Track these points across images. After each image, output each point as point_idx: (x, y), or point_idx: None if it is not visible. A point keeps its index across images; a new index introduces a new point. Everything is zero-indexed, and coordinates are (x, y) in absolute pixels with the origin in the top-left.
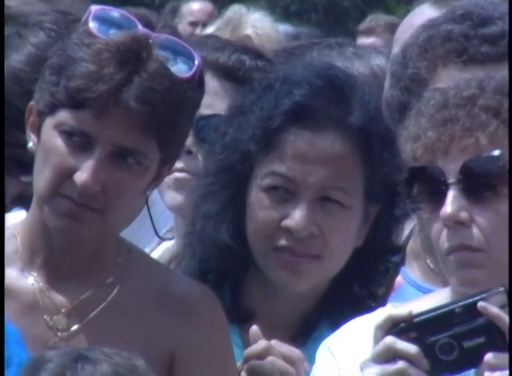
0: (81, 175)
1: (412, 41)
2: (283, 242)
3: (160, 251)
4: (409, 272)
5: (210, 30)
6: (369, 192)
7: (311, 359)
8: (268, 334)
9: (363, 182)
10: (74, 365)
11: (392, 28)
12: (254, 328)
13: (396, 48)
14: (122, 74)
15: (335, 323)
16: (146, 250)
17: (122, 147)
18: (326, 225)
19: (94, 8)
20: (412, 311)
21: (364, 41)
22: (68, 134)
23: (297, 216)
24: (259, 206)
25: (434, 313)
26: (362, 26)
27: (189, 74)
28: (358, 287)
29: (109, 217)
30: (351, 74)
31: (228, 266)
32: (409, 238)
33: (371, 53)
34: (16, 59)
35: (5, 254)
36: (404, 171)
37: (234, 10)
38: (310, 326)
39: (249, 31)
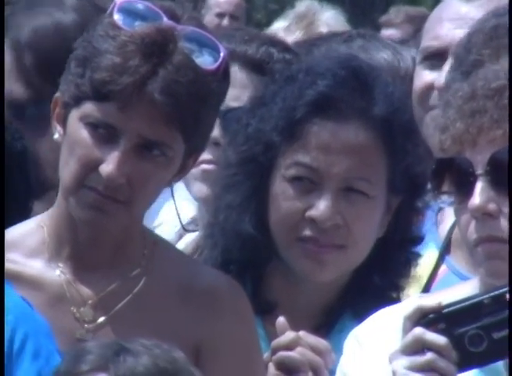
0: (107, 167)
1: (479, 27)
2: (307, 232)
3: (183, 243)
4: (453, 262)
5: (281, 24)
6: (392, 182)
7: (335, 350)
8: (291, 326)
9: (386, 172)
10: (116, 358)
11: (412, 20)
12: (281, 319)
13: (425, 42)
14: (147, 67)
15: (358, 314)
16: None
17: (147, 139)
18: (350, 216)
19: (119, 0)
20: (442, 302)
21: (384, 33)
22: (93, 126)
23: (321, 206)
24: (283, 196)
25: (462, 304)
26: (383, 18)
27: (214, 66)
28: (379, 277)
29: (134, 208)
30: (374, 65)
31: (250, 257)
32: (453, 227)
33: (378, 47)
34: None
35: (32, 246)
36: (431, 163)
37: (307, 6)
38: (332, 317)
39: (323, 29)
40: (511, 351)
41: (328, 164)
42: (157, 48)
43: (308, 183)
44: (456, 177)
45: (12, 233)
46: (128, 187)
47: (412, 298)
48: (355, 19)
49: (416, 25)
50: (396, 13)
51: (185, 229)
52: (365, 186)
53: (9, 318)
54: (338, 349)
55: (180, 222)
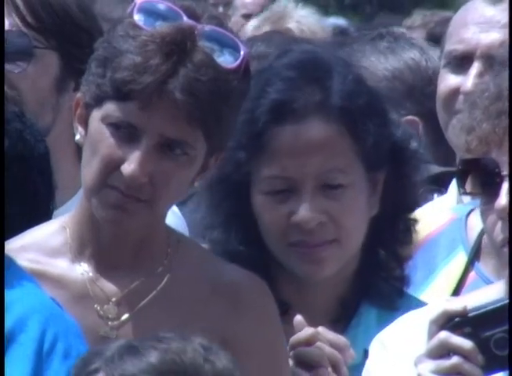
0: (128, 167)
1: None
2: (295, 238)
3: None
4: (482, 268)
5: (254, 22)
6: (366, 162)
7: (354, 344)
8: (308, 324)
9: (356, 156)
10: (117, 359)
11: (425, 25)
12: (298, 318)
13: (450, 45)
14: (167, 66)
15: (374, 301)
16: None
17: (168, 138)
18: (333, 210)
19: (139, 0)
20: (467, 306)
21: None
22: (115, 126)
23: (302, 210)
24: (264, 209)
25: (488, 308)
26: (406, 21)
27: (234, 65)
28: (383, 252)
29: (157, 208)
30: (324, 56)
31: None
32: (483, 233)
33: (404, 47)
34: None
35: (55, 246)
36: (458, 163)
37: (282, 4)
38: (348, 309)
39: (292, 25)
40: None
41: (297, 167)
42: (177, 47)
43: (284, 192)
44: (482, 178)
45: (34, 233)
46: (150, 186)
47: (438, 302)
48: (382, 19)
49: (430, 29)
50: (416, 17)
51: None
52: (339, 177)
53: (36, 317)
54: (357, 343)
55: None
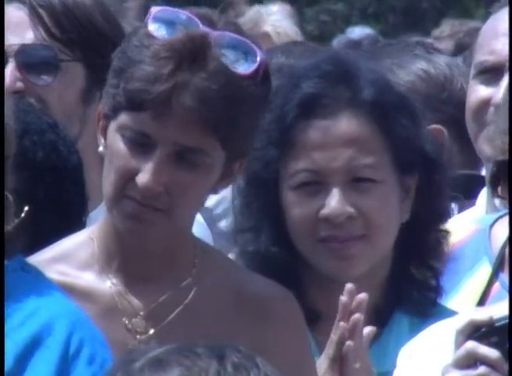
0: (142, 177)
1: None
2: (324, 232)
3: None
4: (506, 279)
5: None
6: (399, 162)
7: (386, 352)
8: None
9: (389, 153)
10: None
11: (454, 35)
12: (349, 286)
13: (480, 56)
14: (179, 74)
15: (408, 310)
16: None
17: (182, 147)
18: (363, 204)
19: (154, 9)
20: (494, 315)
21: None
22: (130, 136)
23: (331, 203)
24: (293, 205)
25: None
26: (435, 32)
27: (249, 71)
28: (415, 263)
29: (175, 217)
30: (350, 57)
31: (275, 274)
32: (507, 243)
33: (410, 59)
34: None
35: (83, 258)
36: (492, 165)
37: (255, 10)
38: (381, 317)
39: (268, 29)
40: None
41: (326, 160)
42: (190, 55)
43: (314, 186)
44: None
45: (63, 244)
46: (166, 195)
47: (465, 312)
48: (406, 29)
49: (459, 40)
50: (445, 26)
51: None
52: (369, 172)
53: (63, 321)
54: (389, 350)
55: None
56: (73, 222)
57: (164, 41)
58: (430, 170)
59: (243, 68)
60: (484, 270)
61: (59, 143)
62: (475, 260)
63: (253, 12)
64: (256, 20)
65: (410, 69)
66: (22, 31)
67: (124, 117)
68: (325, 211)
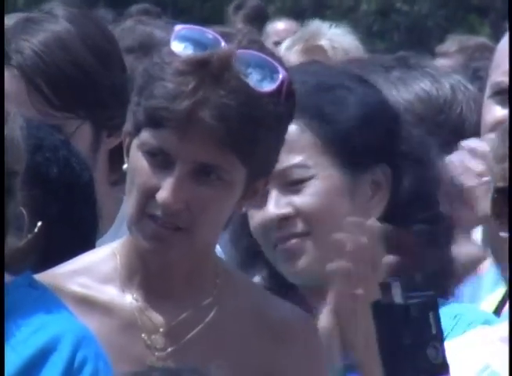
0: (162, 194)
1: None
2: (273, 237)
3: None
4: None
5: (287, 42)
6: (345, 158)
7: None
8: None
9: (325, 150)
10: None
11: (464, 50)
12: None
13: (496, 77)
14: (199, 92)
15: None
16: None
17: (202, 164)
18: (297, 203)
19: (177, 27)
20: None
21: (438, 61)
22: (150, 153)
23: (269, 209)
24: (251, 213)
25: None
26: (440, 48)
27: (270, 88)
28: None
29: (197, 235)
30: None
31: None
32: None
33: (416, 77)
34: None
35: (106, 272)
36: (492, 192)
37: (316, 23)
38: None
39: (323, 43)
40: None
41: None
42: (211, 73)
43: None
44: None
45: (86, 258)
46: (187, 213)
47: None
48: (411, 47)
49: (468, 55)
50: (451, 43)
51: None
52: (298, 172)
53: (70, 336)
54: None
55: None
56: (85, 238)
57: (186, 59)
58: (408, 167)
59: (265, 86)
60: (502, 290)
61: (72, 160)
62: (494, 286)
63: (314, 25)
64: (313, 33)
65: (412, 87)
66: (20, 106)
67: (144, 134)
68: (265, 217)
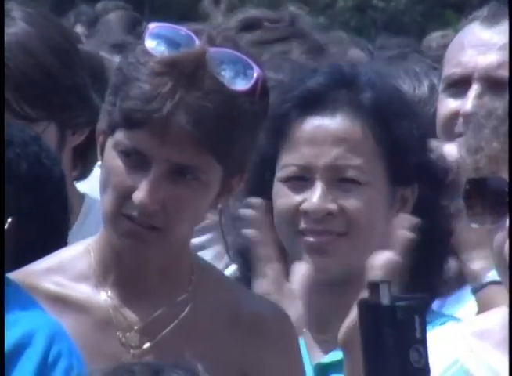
0: (139, 194)
1: None
2: (303, 225)
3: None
4: None
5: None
6: (393, 170)
7: None
8: None
9: (382, 159)
10: None
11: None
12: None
13: (448, 70)
14: (174, 94)
15: None
16: None
17: (178, 164)
18: (344, 203)
19: (151, 25)
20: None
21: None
22: (125, 153)
23: (312, 199)
24: (279, 196)
25: None
26: (426, 42)
27: (246, 87)
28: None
29: (172, 234)
30: (355, 65)
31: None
32: None
33: (399, 74)
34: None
35: (80, 270)
36: (464, 183)
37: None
38: None
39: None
40: None
41: (314, 156)
42: (187, 73)
43: (301, 181)
44: (491, 196)
45: (60, 255)
46: (163, 213)
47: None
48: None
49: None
50: (435, 37)
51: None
52: (355, 173)
53: (43, 331)
54: None
55: (226, 249)
56: (57, 234)
57: (161, 58)
58: (435, 190)
59: (240, 85)
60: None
61: (43, 156)
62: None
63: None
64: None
65: (397, 83)
66: None
67: (119, 135)
68: (305, 206)
